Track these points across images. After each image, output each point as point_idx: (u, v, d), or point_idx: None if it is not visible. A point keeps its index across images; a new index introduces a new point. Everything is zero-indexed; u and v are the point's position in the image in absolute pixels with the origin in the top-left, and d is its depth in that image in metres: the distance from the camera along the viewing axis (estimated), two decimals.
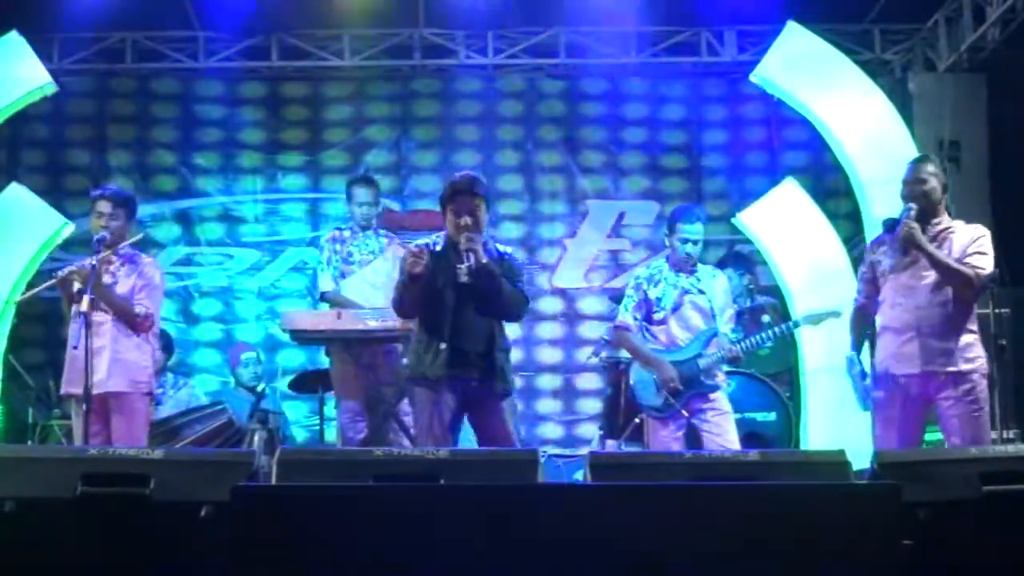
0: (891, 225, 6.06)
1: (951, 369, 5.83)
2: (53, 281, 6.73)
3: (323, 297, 8.08)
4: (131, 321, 6.58)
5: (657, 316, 7.03)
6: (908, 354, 5.92)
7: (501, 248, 6.36)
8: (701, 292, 7.03)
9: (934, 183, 6.00)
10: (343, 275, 7.93)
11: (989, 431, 5.91)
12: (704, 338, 6.96)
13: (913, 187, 6.00)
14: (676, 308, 7.01)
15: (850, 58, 9.41)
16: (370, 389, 7.61)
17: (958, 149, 9.44)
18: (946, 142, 9.36)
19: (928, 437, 6.38)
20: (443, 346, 5.99)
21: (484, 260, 5.97)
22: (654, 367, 6.91)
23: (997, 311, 6.58)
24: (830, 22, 9.74)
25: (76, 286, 6.49)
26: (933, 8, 9.98)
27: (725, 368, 7.13)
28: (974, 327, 5.92)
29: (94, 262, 6.38)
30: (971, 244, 5.91)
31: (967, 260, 5.87)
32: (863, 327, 6.29)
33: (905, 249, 5.94)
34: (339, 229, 8.19)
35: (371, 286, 7.89)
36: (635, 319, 7.04)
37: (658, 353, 6.97)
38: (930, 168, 6.05)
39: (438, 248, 6.15)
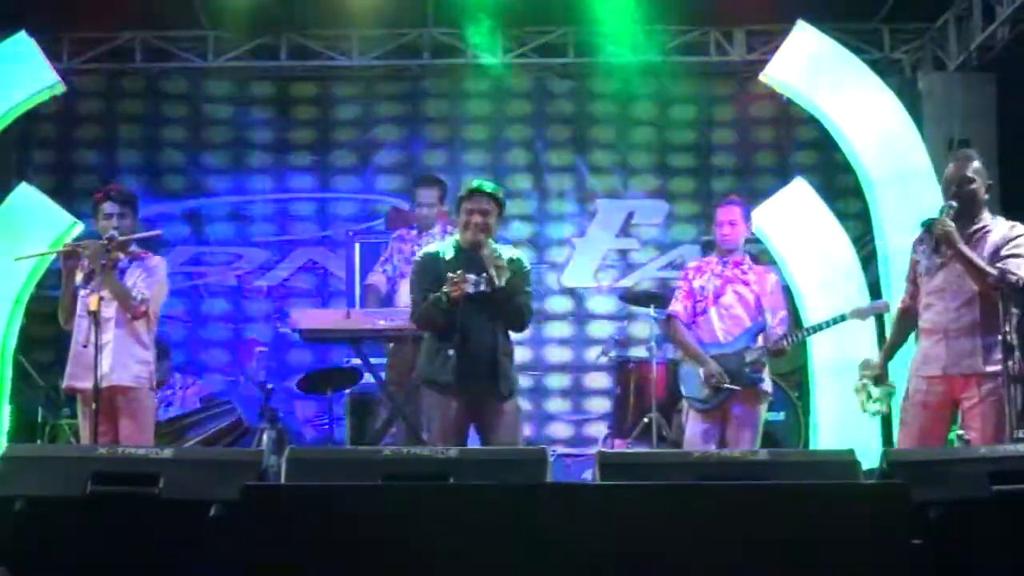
0: (930, 225, 6.00)
1: (976, 371, 5.80)
2: (62, 250, 6.82)
3: (364, 288, 8.25)
4: (126, 305, 6.57)
5: (699, 307, 7.06)
6: (935, 356, 5.88)
7: (510, 251, 6.40)
8: (746, 284, 7.04)
9: (980, 182, 5.95)
10: (403, 275, 7.96)
11: (1007, 431, 5.88)
12: (753, 331, 6.98)
13: (960, 186, 5.93)
14: (718, 297, 7.02)
15: (859, 57, 9.38)
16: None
17: (967, 148, 9.40)
18: (956, 141, 9.31)
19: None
20: (451, 352, 6.07)
21: (502, 284, 6.04)
22: (698, 362, 6.92)
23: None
24: (840, 21, 9.71)
25: (80, 275, 6.55)
26: (943, 7, 9.95)
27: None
28: (1006, 328, 5.86)
29: (106, 244, 6.41)
30: (1005, 244, 5.85)
31: (1000, 263, 5.82)
32: (905, 328, 6.20)
33: (938, 248, 5.88)
34: (408, 228, 8.26)
35: None
36: (685, 308, 7.06)
37: (707, 346, 6.98)
38: (975, 165, 5.97)
39: (447, 257, 6.23)
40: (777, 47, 9.17)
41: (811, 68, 9.02)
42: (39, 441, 8.71)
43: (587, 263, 10.91)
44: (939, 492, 4.31)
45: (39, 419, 9.04)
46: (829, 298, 8.30)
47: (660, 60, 10.47)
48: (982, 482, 4.34)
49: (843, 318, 7.59)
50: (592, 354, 10.35)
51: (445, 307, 6.00)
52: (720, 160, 11.05)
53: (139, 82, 10.94)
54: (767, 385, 7.03)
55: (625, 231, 10.98)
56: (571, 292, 10.88)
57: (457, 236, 6.34)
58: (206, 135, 10.99)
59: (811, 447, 8.37)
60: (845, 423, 8.50)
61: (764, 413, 7.06)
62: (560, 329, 10.83)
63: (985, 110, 9.60)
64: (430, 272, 6.20)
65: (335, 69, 10.79)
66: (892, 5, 10.02)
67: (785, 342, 7.04)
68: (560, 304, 10.85)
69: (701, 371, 6.90)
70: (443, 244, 6.37)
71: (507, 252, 6.29)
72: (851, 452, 4.63)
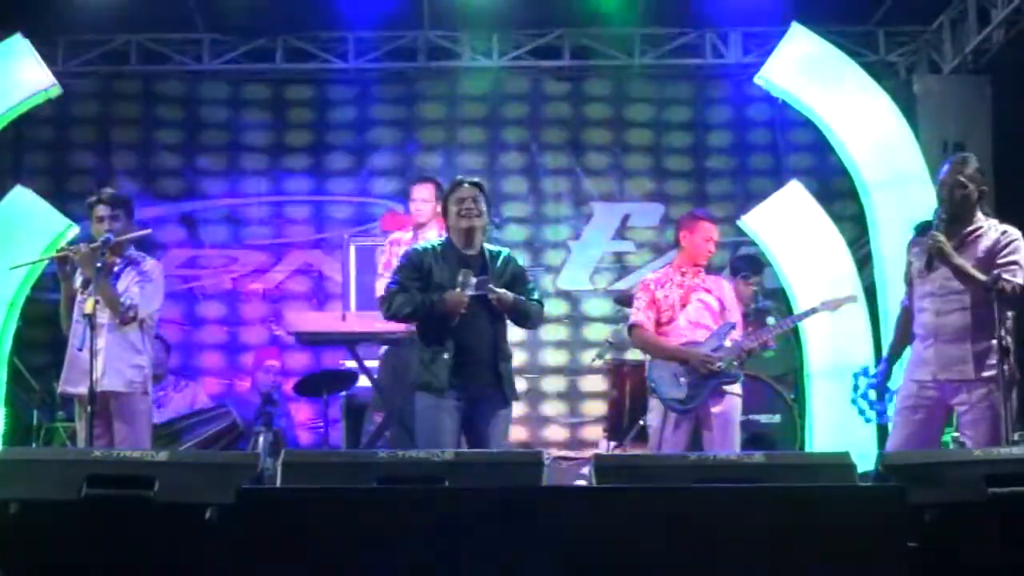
0: (923, 228, 6.01)
1: (967, 378, 5.80)
2: (55, 256, 6.81)
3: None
4: (115, 310, 6.54)
5: (665, 316, 7.04)
6: (926, 360, 5.90)
7: (501, 250, 6.35)
8: (708, 291, 7.08)
9: (972, 187, 5.94)
10: None
11: (1003, 437, 5.88)
12: (724, 331, 7.00)
13: (952, 191, 5.93)
14: (684, 306, 7.03)
15: (855, 60, 9.40)
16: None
17: (962, 151, 9.42)
18: (950, 144, 9.33)
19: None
20: (447, 356, 5.98)
21: (508, 301, 6.05)
22: (683, 356, 6.89)
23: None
24: (835, 24, 9.72)
25: (79, 279, 6.54)
26: (938, 10, 9.97)
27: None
28: (1001, 332, 5.86)
29: (98, 249, 6.40)
30: (999, 250, 5.84)
31: (996, 269, 5.79)
32: (907, 329, 6.19)
33: (930, 263, 5.88)
34: (403, 230, 8.16)
35: None
36: (648, 318, 7.04)
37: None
38: (969, 171, 5.97)
39: (437, 255, 6.14)
40: (772, 50, 9.18)
41: (806, 71, 9.03)
42: (34, 444, 8.70)
43: (583, 266, 10.91)
44: (935, 495, 4.31)
45: (34, 422, 9.03)
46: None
47: (655, 62, 10.51)
48: (978, 485, 4.34)
49: (814, 311, 7.63)
50: (588, 357, 10.35)
51: (437, 315, 5.97)
52: (715, 163, 11.04)
53: (134, 85, 10.94)
54: (738, 385, 7.09)
55: (621, 234, 10.98)
56: (567, 295, 10.88)
57: (442, 237, 6.31)
58: (201, 138, 10.97)
59: (807, 450, 8.37)
60: (841, 426, 8.52)
61: (739, 404, 7.07)
62: (556, 332, 10.82)
63: (980, 113, 9.60)
64: (416, 267, 6.11)
65: (331, 72, 10.79)
66: (887, 8, 10.04)
67: (750, 343, 7.09)
68: (556, 307, 10.83)
69: (687, 364, 6.85)
70: (434, 242, 6.29)
71: (500, 250, 6.28)
72: (847, 455, 4.63)
